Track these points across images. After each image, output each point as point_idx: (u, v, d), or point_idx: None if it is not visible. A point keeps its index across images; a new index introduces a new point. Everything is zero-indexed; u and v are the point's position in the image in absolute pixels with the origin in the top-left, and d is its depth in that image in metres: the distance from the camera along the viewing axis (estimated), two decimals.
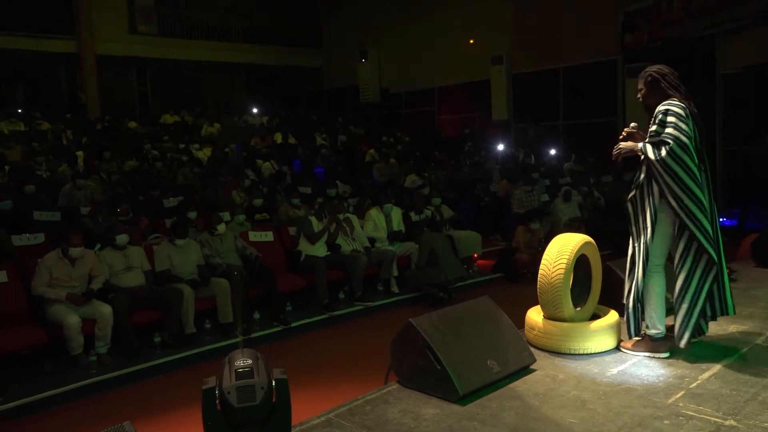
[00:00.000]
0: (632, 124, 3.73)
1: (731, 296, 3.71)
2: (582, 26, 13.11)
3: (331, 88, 20.21)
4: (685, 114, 3.41)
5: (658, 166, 3.43)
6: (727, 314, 3.71)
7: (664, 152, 3.39)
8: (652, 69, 3.59)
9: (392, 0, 17.47)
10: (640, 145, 3.54)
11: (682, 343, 3.56)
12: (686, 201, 3.40)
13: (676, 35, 11.52)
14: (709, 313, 3.65)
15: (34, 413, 4.45)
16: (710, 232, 3.45)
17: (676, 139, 3.37)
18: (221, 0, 18.52)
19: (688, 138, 3.37)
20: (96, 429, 4.13)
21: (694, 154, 3.41)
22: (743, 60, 10.75)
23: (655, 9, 11.93)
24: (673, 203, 3.43)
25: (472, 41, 15.87)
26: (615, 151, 3.68)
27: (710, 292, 3.57)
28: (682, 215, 3.42)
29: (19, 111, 15.13)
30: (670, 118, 3.41)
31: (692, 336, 3.57)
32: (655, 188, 3.50)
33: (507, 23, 14.86)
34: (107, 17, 16.31)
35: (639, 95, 3.68)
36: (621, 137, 3.73)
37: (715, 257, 3.45)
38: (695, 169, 3.40)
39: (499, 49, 15.01)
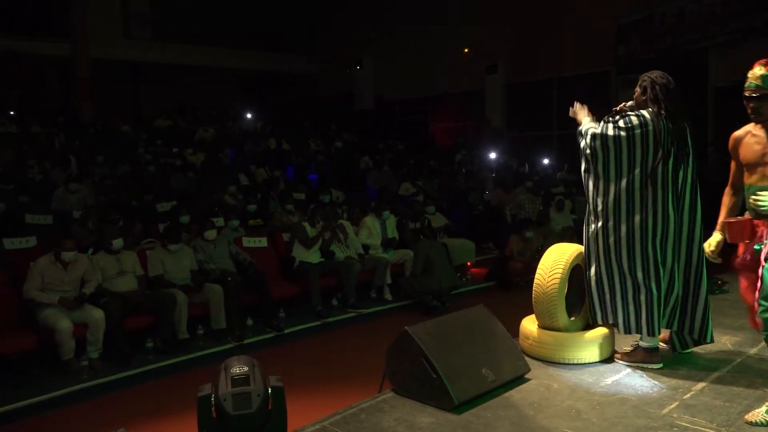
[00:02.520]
0: (630, 103, 3.75)
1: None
2: (576, 37, 13.22)
3: (326, 95, 20.24)
4: (638, 119, 3.49)
5: (584, 141, 3.63)
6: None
7: (599, 131, 3.58)
8: (650, 75, 3.63)
9: (388, 8, 17.54)
10: (586, 119, 3.75)
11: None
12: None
13: (669, 48, 11.64)
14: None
15: (23, 419, 4.39)
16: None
17: (605, 130, 3.54)
18: (216, 5, 18.52)
19: (627, 142, 3.48)
20: None
21: (628, 160, 3.50)
22: (735, 73, 10.84)
23: (649, 21, 12.06)
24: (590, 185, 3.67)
25: (467, 50, 15.95)
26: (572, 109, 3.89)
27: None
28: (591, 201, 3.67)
29: (12, 114, 15.05)
30: (619, 119, 3.56)
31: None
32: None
33: (502, 33, 14.96)
34: (102, 21, 16.29)
35: (634, 98, 3.73)
36: (615, 111, 3.80)
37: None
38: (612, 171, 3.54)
39: (494, 58, 15.11)
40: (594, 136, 3.57)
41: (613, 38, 12.79)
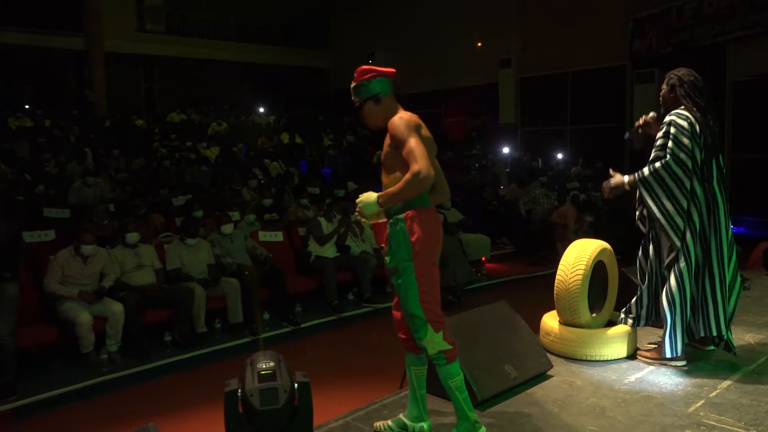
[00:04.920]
0: (651, 114, 3.72)
1: (722, 317, 3.55)
2: (591, 31, 13.08)
3: (338, 89, 20.19)
4: (689, 126, 3.41)
5: (650, 178, 3.48)
6: (711, 334, 3.59)
7: (658, 164, 3.45)
8: (677, 73, 3.60)
9: (401, 2, 17.46)
10: (627, 178, 3.63)
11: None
12: (674, 215, 3.43)
13: (686, 42, 11.50)
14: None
15: (44, 411, 4.44)
16: (693, 248, 3.45)
17: (672, 153, 3.41)
18: (229, 0, 18.53)
19: (687, 153, 3.39)
20: (106, 427, 4.16)
21: (691, 169, 3.40)
22: (753, 68, 10.73)
23: (666, 15, 11.89)
24: (660, 216, 3.47)
25: (480, 44, 15.85)
26: (605, 192, 3.80)
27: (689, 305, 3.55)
28: (668, 229, 3.45)
29: (27, 107, 15.13)
30: (672, 129, 3.44)
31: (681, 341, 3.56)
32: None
33: (515, 26, 14.85)
34: (116, 15, 16.31)
35: (660, 95, 3.70)
36: (638, 124, 3.77)
37: (687, 276, 3.45)
38: (687, 184, 3.41)
39: (507, 52, 14.99)
40: (665, 164, 3.43)
41: (628, 32, 12.64)
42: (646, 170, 3.51)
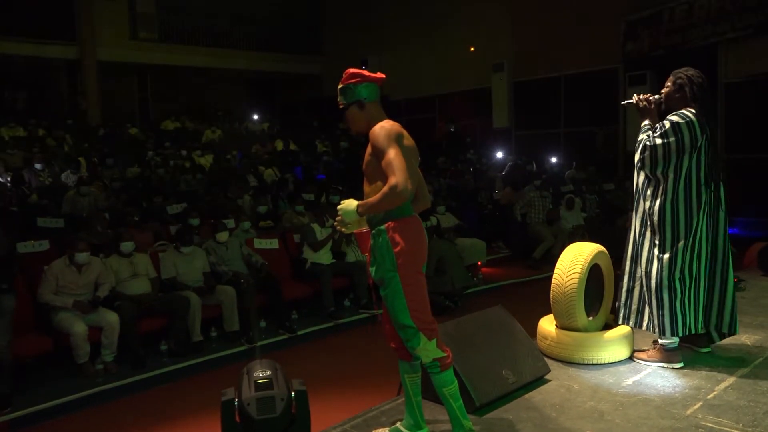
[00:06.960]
0: (657, 96, 3.69)
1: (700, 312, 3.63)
2: (584, 34, 13.13)
3: (332, 95, 20.05)
4: (686, 124, 3.41)
5: (647, 150, 3.53)
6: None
7: (645, 136, 3.53)
8: (685, 73, 3.56)
9: (394, 7, 17.51)
10: (647, 122, 3.62)
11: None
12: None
13: (678, 44, 11.56)
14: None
15: (39, 422, 4.40)
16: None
17: (662, 135, 3.44)
18: (222, 7, 18.53)
19: (678, 142, 3.40)
20: None
21: (675, 163, 3.44)
22: (745, 69, 10.79)
23: (658, 17, 11.96)
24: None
25: (473, 49, 15.90)
26: (644, 98, 3.69)
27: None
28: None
29: (20, 116, 15.05)
30: (666, 124, 3.45)
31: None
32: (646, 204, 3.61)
33: (508, 31, 14.90)
34: (108, 23, 16.30)
35: (663, 90, 3.66)
36: (640, 96, 3.73)
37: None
38: (660, 169, 3.49)
39: (500, 56, 15.03)
40: (644, 147, 3.51)
41: (621, 35, 12.70)
42: (644, 136, 3.55)
